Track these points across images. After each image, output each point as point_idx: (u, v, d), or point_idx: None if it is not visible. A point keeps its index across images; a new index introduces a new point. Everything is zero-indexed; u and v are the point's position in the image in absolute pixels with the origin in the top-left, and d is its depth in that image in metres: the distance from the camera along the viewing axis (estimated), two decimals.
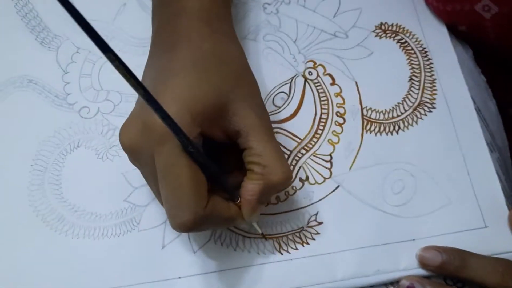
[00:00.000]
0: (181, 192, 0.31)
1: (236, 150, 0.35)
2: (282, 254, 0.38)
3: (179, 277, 0.37)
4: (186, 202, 0.31)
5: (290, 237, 0.38)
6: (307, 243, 0.38)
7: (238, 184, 0.34)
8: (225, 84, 0.34)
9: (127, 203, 0.39)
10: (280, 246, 0.38)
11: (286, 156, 0.41)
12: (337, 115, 0.42)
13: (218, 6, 0.38)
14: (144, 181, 0.36)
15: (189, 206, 0.31)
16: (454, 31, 0.46)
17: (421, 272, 0.37)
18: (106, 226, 0.39)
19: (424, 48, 0.45)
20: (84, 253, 0.38)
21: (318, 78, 0.44)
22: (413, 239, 0.38)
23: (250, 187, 0.33)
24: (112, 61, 0.25)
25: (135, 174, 0.37)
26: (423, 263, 0.37)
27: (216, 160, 0.33)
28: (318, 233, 0.39)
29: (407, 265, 0.37)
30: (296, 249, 0.38)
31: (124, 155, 0.34)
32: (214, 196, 0.33)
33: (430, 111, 0.42)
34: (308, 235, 0.39)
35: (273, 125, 0.42)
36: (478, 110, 0.43)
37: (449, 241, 0.38)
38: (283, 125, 0.42)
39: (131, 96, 0.43)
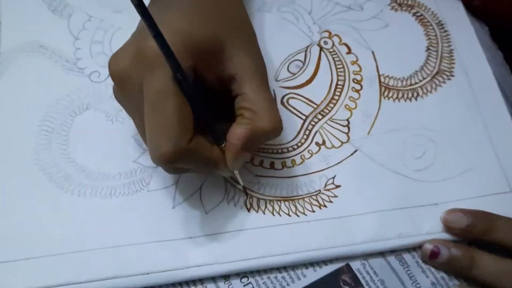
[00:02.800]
0: (165, 121, 0.29)
1: (226, 103, 0.33)
2: (298, 216, 0.36)
3: (190, 237, 0.35)
4: (170, 132, 0.29)
5: (306, 199, 0.37)
6: (325, 206, 0.36)
7: (225, 132, 0.33)
8: (223, 28, 0.33)
9: (136, 164, 0.38)
10: (296, 208, 0.36)
11: (302, 121, 0.40)
12: (354, 82, 0.41)
13: None
14: None
15: (172, 136, 0.29)
16: (469, 7, 0.46)
17: (445, 236, 0.36)
18: (114, 186, 0.37)
19: (440, 21, 0.44)
20: (91, 211, 0.36)
21: (334, 47, 0.43)
22: (436, 203, 0.37)
23: (237, 131, 0.32)
24: None
25: None
26: (447, 226, 0.35)
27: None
28: (335, 196, 0.37)
29: (430, 229, 0.36)
30: (313, 211, 0.36)
31: None
32: (199, 135, 0.31)
33: (449, 79, 0.41)
34: (326, 198, 0.37)
35: (289, 91, 0.41)
36: (497, 81, 0.42)
37: (473, 205, 0.36)
38: (299, 91, 0.41)
39: None
